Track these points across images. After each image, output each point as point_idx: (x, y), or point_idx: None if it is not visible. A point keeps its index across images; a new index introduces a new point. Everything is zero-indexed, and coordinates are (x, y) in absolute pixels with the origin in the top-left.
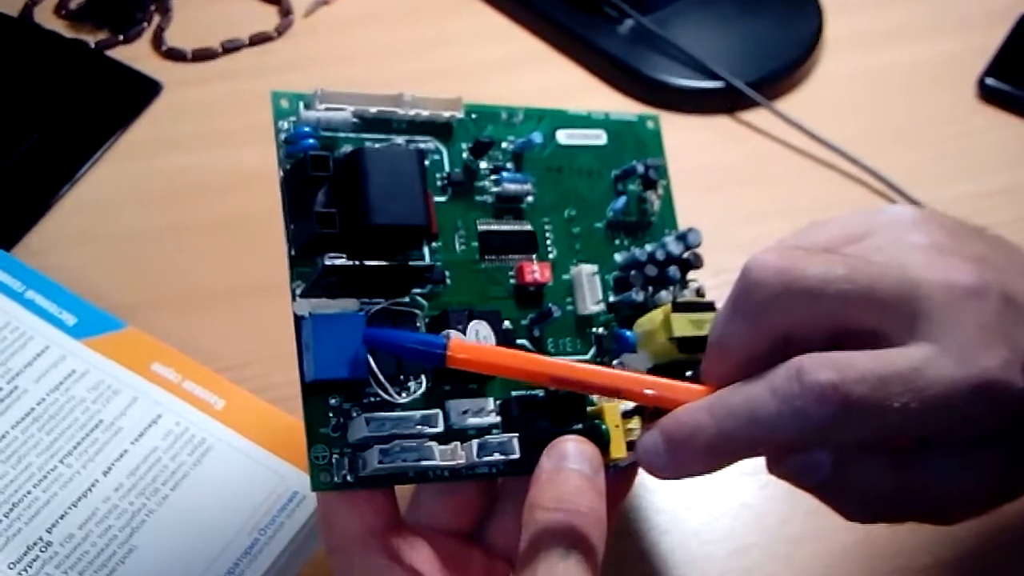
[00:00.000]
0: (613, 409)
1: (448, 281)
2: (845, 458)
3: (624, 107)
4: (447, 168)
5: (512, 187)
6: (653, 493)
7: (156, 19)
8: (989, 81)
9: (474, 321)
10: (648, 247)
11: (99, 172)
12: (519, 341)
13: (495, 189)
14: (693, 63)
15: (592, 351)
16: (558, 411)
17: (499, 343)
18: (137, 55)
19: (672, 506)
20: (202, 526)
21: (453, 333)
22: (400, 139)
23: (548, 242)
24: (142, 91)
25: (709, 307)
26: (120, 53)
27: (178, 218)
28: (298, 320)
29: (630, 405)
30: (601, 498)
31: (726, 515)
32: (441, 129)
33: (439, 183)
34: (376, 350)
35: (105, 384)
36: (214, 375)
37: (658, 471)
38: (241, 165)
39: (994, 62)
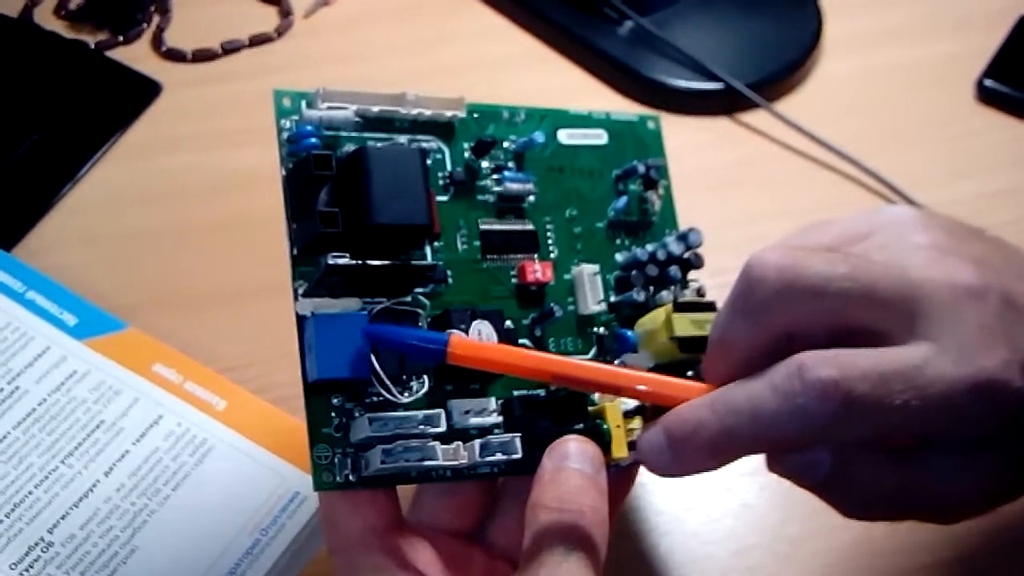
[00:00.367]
0: (614, 409)
1: (450, 280)
2: (846, 456)
3: (624, 108)
4: (449, 167)
5: (514, 186)
6: (653, 494)
7: (156, 20)
8: (988, 83)
9: (476, 320)
10: (649, 247)
11: (99, 172)
12: (521, 341)
13: (497, 188)
14: (693, 64)
15: (593, 351)
16: (560, 411)
17: (501, 342)
18: (137, 56)
19: (672, 507)
20: (203, 526)
21: (454, 331)
22: (403, 138)
23: (550, 242)
24: (142, 92)
25: (710, 307)
26: (120, 54)
27: (179, 218)
28: (300, 320)
29: (631, 405)
30: (603, 498)
31: (727, 516)
32: (443, 128)
33: (441, 182)
34: (379, 349)
35: (106, 385)
36: (215, 376)
37: (660, 469)
38: (241, 165)
39: (993, 63)
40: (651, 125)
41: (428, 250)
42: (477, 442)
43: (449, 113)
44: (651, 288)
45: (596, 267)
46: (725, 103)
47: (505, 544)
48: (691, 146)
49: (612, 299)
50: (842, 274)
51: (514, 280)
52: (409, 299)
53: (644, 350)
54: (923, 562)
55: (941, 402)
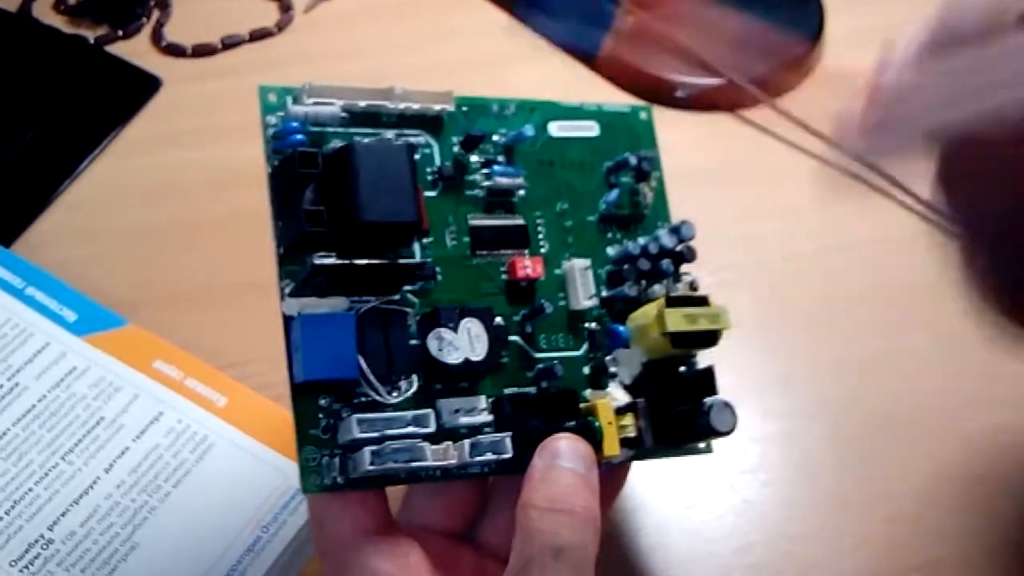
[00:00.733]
0: (606, 406)
1: (439, 277)
2: None
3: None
4: (438, 162)
5: (504, 181)
6: (654, 492)
7: (155, 15)
8: None
9: (465, 319)
10: (641, 240)
11: (99, 168)
12: (511, 338)
13: (486, 183)
14: (694, 60)
15: (585, 347)
16: (551, 409)
17: (491, 340)
18: (136, 51)
19: (674, 504)
20: (204, 523)
21: None
22: (390, 133)
23: (540, 236)
24: (141, 87)
25: (703, 301)
26: (119, 49)
27: (179, 214)
28: (287, 320)
29: (623, 402)
30: (595, 497)
31: (729, 513)
32: (431, 122)
33: (430, 177)
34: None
35: (106, 381)
36: (216, 372)
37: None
38: (241, 161)
39: None
40: (643, 116)
41: (416, 247)
42: (467, 442)
43: (437, 107)
44: (643, 282)
45: (587, 262)
46: (726, 99)
47: (496, 544)
48: (692, 142)
49: (604, 294)
50: None
51: (504, 276)
52: (398, 297)
53: (636, 345)
54: (927, 559)
55: None
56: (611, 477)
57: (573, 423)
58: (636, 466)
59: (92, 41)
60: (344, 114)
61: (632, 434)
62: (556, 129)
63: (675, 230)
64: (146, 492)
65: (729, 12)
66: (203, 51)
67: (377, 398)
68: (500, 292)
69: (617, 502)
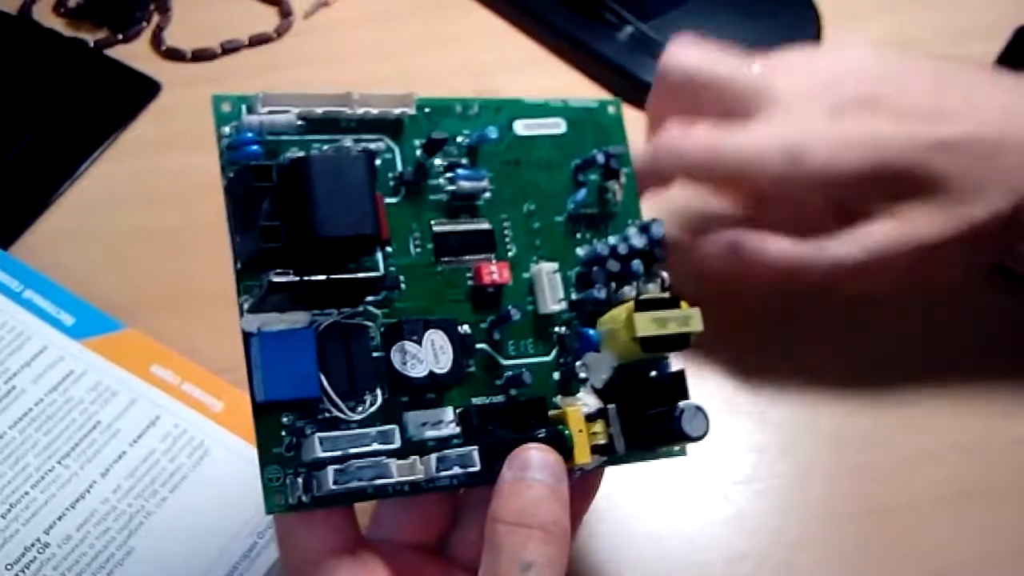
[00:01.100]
0: (576, 413)
1: (403, 286)
2: None
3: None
4: (400, 167)
5: (467, 184)
6: (646, 501)
7: (155, 18)
8: None
9: (430, 330)
10: (611, 240)
11: (97, 171)
12: (479, 346)
13: (450, 187)
14: None
15: (554, 352)
16: (520, 418)
17: (457, 349)
18: (136, 54)
19: (667, 514)
20: (201, 528)
21: None
22: (348, 139)
23: (507, 239)
24: (141, 90)
25: (674, 303)
26: (119, 52)
27: (177, 218)
28: (246, 336)
29: (593, 408)
30: (564, 508)
31: (721, 523)
32: (392, 126)
33: (391, 183)
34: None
35: (103, 385)
36: (213, 377)
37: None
38: None
39: None
40: (611, 110)
41: (379, 256)
42: (433, 456)
43: (397, 110)
44: (613, 284)
45: (555, 265)
46: None
47: (468, 558)
48: None
49: (573, 297)
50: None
51: (470, 283)
52: (361, 309)
53: (607, 349)
54: (919, 569)
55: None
56: (584, 484)
57: (543, 432)
58: (629, 474)
59: (92, 44)
60: (300, 122)
61: (603, 441)
62: (522, 127)
63: (644, 228)
64: (142, 497)
65: (727, 22)
66: (203, 56)
67: (340, 415)
68: (466, 299)
69: (607, 511)
